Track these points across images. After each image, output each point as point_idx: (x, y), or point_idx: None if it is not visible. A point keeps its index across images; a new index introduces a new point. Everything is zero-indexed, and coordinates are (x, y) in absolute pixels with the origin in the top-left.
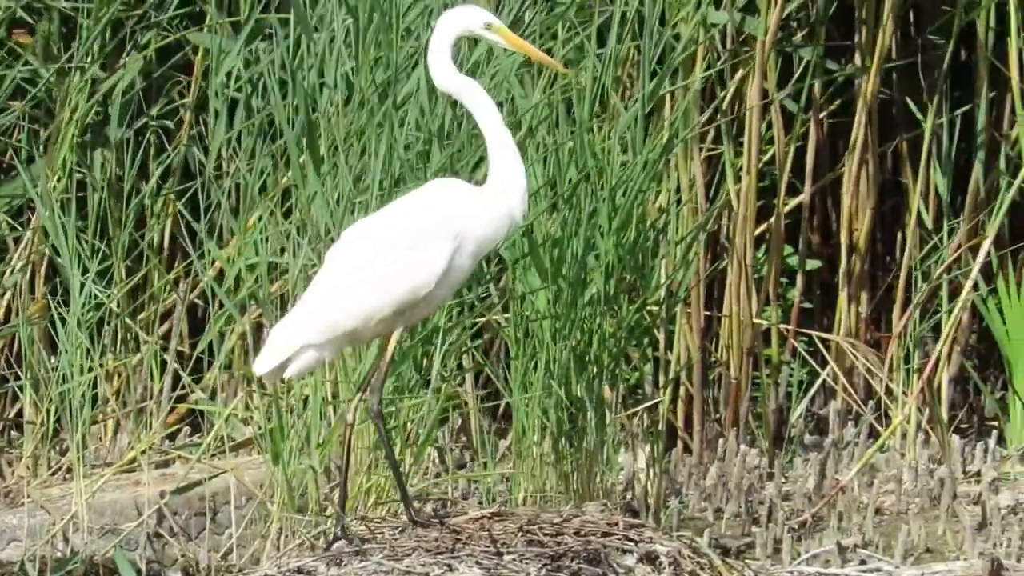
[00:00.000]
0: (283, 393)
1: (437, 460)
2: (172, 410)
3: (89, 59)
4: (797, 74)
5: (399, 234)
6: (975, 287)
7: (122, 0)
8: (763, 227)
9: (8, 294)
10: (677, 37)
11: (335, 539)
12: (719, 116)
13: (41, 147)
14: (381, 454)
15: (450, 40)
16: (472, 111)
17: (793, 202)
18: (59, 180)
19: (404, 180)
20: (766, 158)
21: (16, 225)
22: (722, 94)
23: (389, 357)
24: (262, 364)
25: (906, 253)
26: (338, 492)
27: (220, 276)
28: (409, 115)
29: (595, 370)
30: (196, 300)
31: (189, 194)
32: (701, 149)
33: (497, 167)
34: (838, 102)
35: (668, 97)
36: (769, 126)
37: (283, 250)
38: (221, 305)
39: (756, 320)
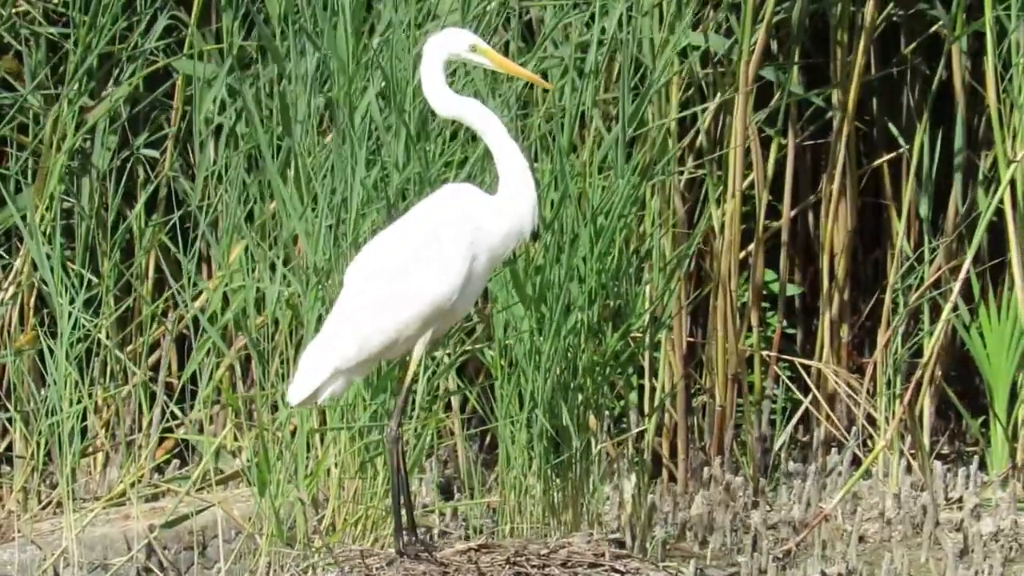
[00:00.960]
0: (270, 425)
1: (424, 491)
2: (162, 442)
3: (77, 88)
4: (776, 97)
5: (415, 249)
6: (955, 309)
7: (109, 28)
8: (746, 251)
9: None
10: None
11: (400, 553)
12: (700, 138)
13: (29, 174)
14: (366, 483)
15: (439, 66)
16: (476, 129)
17: (774, 226)
18: (47, 209)
19: (367, 205)
20: (747, 182)
21: (2, 253)
22: (703, 116)
23: (409, 380)
24: (295, 395)
25: (887, 276)
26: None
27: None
28: (368, 141)
29: (580, 398)
30: (184, 331)
31: (175, 223)
32: (682, 172)
33: (507, 178)
34: (817, 124)
35: (650, 121)
36: (749, 149)
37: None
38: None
39: (740, 346)
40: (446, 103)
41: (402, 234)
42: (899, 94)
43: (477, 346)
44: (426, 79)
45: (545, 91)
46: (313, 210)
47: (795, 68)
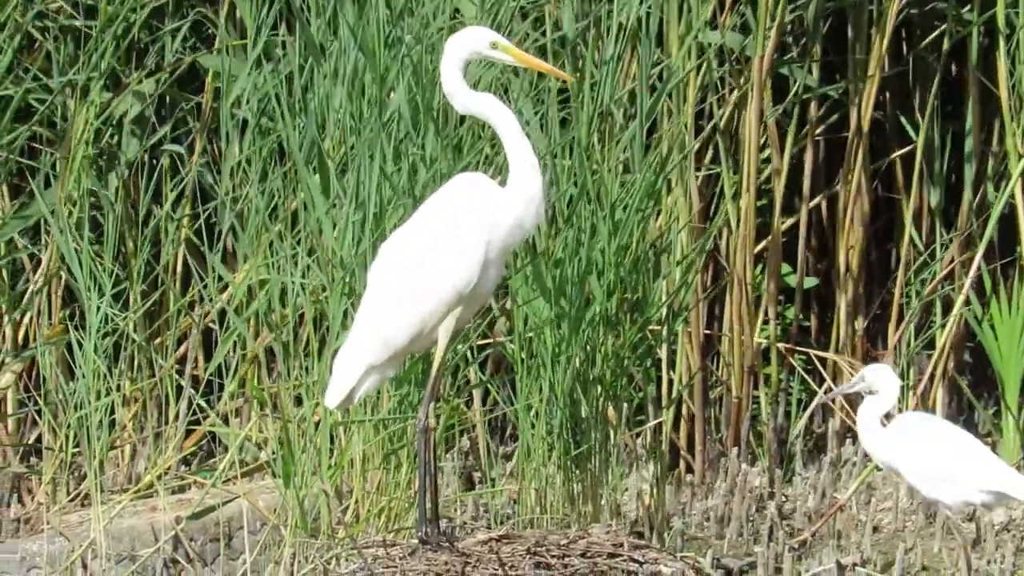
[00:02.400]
0: (294, 417)
1: (445, 481)
2: (189, 434)
3: (94, 79)
4: (793, 92)
5: (434, 238)
6: (967, 302)
7: (132, 20)
8: (762, 245)
9: (27, 317)
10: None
11: (422, 542)
12: (716, 135)
13: (60, 169)
14: (390, 474)
15: (459, 64)
16: (493, 124)
17: (790, 220)
18: (74, 204)
19: (392, 201)
20: (764, 176)
21: (33, 249)
22: (720, 112)
23: (435, 371)
24: (332, 397)
25: (899, 270)
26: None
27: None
28: (397, 134)
29: (599, 390)
30: (211, 324)
31: (202, 217)
32: (699, 167)
33: (516, 174)
34: (833, 118)
35: (666, 117)
36: (765, 145)
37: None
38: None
39: (756, 339)
40: (463, 99)
41: (419, 226)
42: (913, 89)
43: (500, 340)
44: (445, 76)
45: (565, 84)
46: (338, 204)
47: (812, 63)
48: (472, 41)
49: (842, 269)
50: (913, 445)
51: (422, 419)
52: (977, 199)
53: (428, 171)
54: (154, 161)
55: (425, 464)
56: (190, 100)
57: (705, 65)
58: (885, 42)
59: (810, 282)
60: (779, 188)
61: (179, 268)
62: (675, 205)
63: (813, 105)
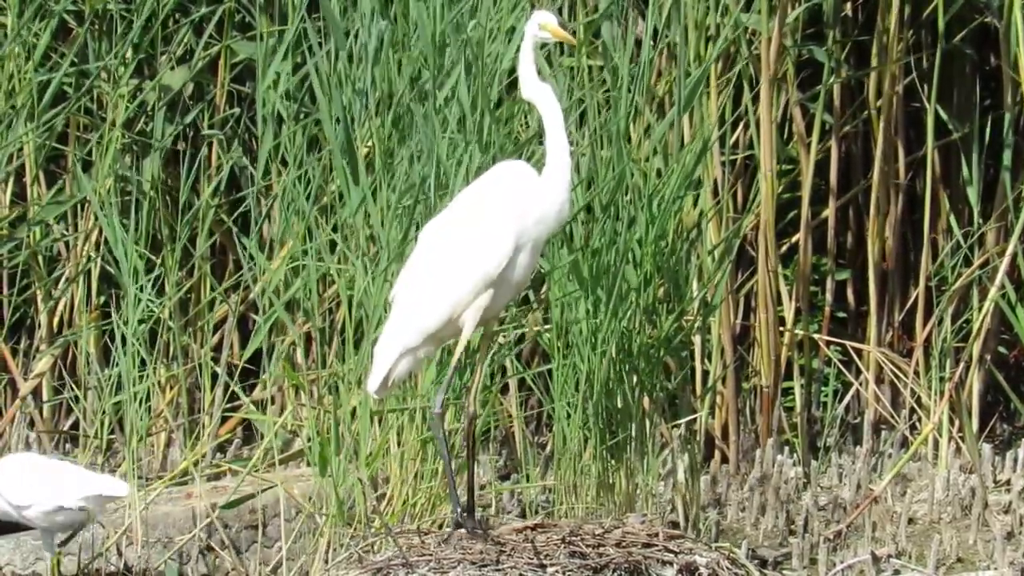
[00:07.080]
0: (331, 405)
1: (481, 471)
2: (225, 421)
3: (123, 67)
4: (800, 75)
5: (465, 223)
6: (1002, 290)
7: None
8: (797, 238)
9: (62, 304)
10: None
11: (456, 527)
12: (749, 122)
13: (94, 153)
14: (426, 466)
15: (531, 50)
16: (542, 114)
17: (824, 212)
18: (107, 191)
19: (448, 184)
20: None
21: (68, 236)
22: (751, 98)
23: (456, 357)
24: (372, 384)
25: (936, 261)
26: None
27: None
28: (451, 117)
29: (635, 380)
30: (247, 312)
31: (237, 205)
32: (735, 153)
33: (549, 169)
34: (866, 113)
35: (696, 106)
36: (796, 136)
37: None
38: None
39: (786, 329)
40: (529, 87)
41: (455, 212)
42: (950, 80)
43: (536, 329)
44: (520, 62)
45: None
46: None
47: (834, 46)
48: (531, 26)
49: (876, 259)
50: (17, 483)
51: (437, 405)
52: (1015, 190)
53: (484, 154)
54: (188, 149)
55: (447, 450)
56: (213, 86)
57: (734, 50)
58: (893, 15)
59: (841, 274)
60: (807, 177)
61: (214, 255)
62: (702, 197)
63: (836, 91)
